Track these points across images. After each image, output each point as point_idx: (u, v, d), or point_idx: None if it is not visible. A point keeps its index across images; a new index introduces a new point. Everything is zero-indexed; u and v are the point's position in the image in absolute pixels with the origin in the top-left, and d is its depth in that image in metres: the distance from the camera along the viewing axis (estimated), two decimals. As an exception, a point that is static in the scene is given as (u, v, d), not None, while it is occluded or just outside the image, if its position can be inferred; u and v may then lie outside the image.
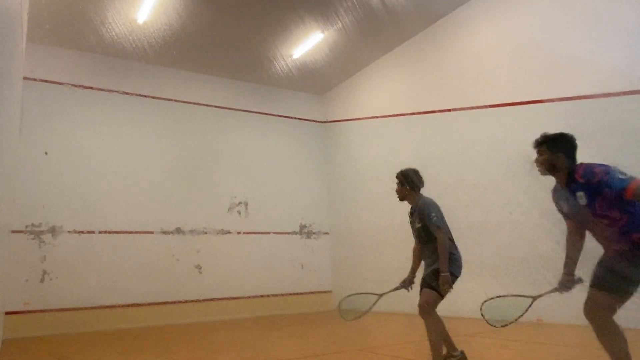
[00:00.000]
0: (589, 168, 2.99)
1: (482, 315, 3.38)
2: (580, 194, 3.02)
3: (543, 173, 3.28)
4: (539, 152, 3.32)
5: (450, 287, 3.83)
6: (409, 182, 4.05)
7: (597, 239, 3.27)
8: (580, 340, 4.94)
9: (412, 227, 4.14)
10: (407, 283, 4.15)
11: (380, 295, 4.12)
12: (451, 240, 3.97)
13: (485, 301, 3.44)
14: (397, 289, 4.12)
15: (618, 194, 2.84)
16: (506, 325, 3.35)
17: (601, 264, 3.23)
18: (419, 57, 9.20)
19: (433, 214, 3.88)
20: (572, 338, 5.23)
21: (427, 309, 3.83)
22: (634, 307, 6.12)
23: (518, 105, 7.49)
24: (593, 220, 3.07)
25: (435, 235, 3.86)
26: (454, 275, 3.89)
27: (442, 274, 3.77)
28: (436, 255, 3.88)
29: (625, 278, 3.08)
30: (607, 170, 2.91)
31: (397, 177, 4.12)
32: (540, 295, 3.42)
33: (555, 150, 3.20)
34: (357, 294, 4.34)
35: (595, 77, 6.65)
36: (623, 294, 3.13)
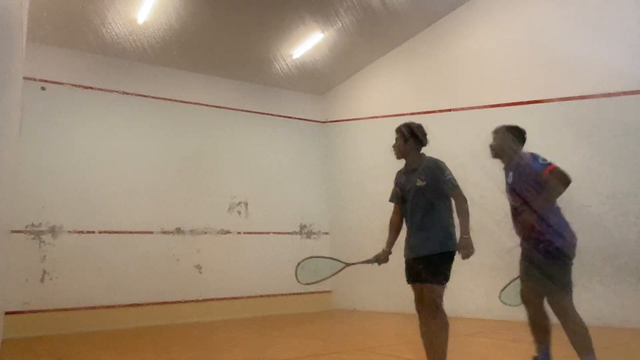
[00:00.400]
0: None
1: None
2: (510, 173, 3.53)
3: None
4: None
5: (473, 250, 3.33)
6: (414, 137, 3.57)
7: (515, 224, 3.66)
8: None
9: (405, 188, 3.59)
10: (381, 258, 3.64)
11: (347, 265, 3.87)
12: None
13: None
14: (368, 261, 3.68)
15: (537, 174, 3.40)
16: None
17: (523, 256, 3.65)
18: (419, 57, 9.20)
19: (448, 172, 3.47)
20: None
21: (436, 307, 3.32)
22: (635, 307, 6.13)
23: (518, 105, 7.49)
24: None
25: (452, 196, 3.45)
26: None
27: (464, 237, 3.33)
28: (432, 222, 3.42)
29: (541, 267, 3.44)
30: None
31: (398, 130, 3.64)
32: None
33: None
34: (321, 257, 4.32)
35: (595, 77, 6.65)
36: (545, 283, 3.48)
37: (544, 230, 3.44)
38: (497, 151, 3.85)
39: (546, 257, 3.42)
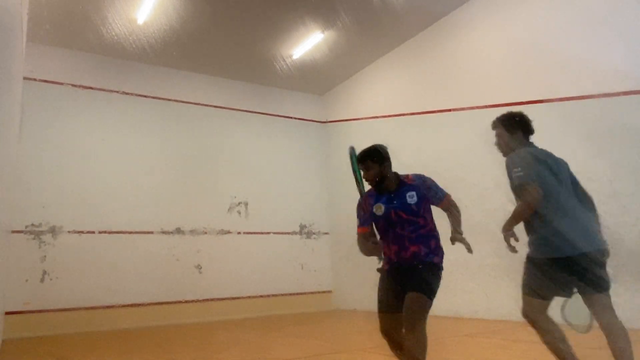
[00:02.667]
0: (420, 175, 3.41)
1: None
2: (410, 193, 3.24)
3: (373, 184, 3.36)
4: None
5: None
6: (523, 127, 3.40)
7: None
8: (580, 340, 4.94)
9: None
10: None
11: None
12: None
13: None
14: None
15: (438, 200, 3.31)
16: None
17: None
18: (419, 57, 9.20)
19: (518, 169, 3.18)
20: (572, 338, 5.22)
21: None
22: (634, 307, 6.12)
23: (518, 105, 7.47)
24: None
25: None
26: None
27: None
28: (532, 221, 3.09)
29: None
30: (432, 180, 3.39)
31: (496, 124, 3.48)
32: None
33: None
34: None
35: (595, 77, 6.65)
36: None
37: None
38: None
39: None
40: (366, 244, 3.25)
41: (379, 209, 3.23)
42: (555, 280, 2.96)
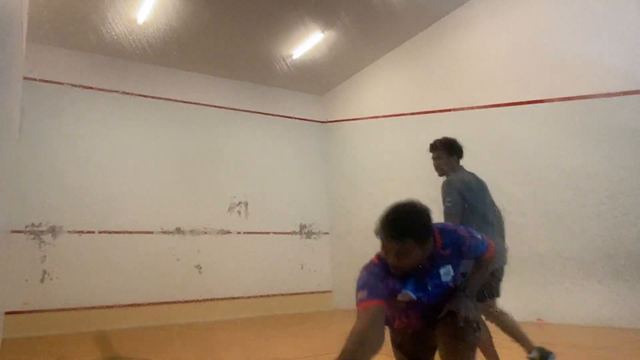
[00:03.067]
0: (450, 234, 2.33)
1: None
2: (445, 269, 2.30)
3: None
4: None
5: None
6: (457, 152, 3.73)
7: None
8: (580, 340, 4.94)
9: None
10: None
11: None
12: None
13: None
14: None
15: (478, 257, 2.41)
16: None
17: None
18: (419, 57, 9.20)
19: (449, 199, 3.52)
20: (572, 338, 5.23)
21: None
22: (635, 307, 6.11)
23: (518, 105, 7.49)
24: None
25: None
26: None
27: None
28: None
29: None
30: (467, 229, 2.41)
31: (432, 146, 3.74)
32: None
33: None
34: None
35: (595, 77, 6.65)
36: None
37: None
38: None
39: None
40: (372, 336, 2.07)
41: (406, 297, 2.25)
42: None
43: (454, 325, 2.22)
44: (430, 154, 3.81)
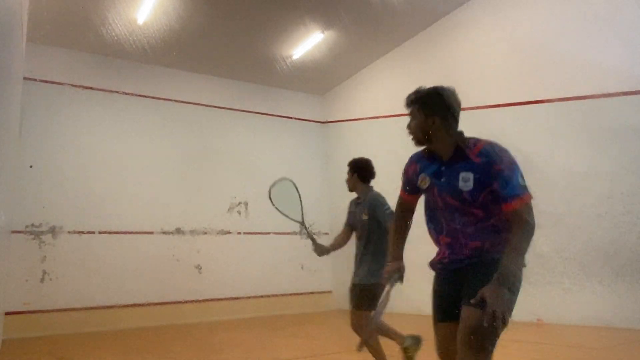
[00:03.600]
0: (495, 149, 2.24)
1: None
2: (466, 175, 2.22)
3: (416, 143, 2.47)
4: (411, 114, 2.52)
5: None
6: (359, 172, 4.13)
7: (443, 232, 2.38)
8: (580, 340, 4.94)
9: (355, 217, 4.21)
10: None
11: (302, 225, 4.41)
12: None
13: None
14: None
15: (504, 198, 2.15)
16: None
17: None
18: (419, 57, 9.20)
19: (387, 207, 3.88)
20: (572, 338, 5.23)
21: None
22: (635, 307, 6.12)
23: (518, 105, 7.49)
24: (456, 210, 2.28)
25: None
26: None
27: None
28: (369, 254, 3.94)
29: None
30: (514, 164, 2.22)
31: (348, 165, 4.20)
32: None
33: (430, 113, 2.38)
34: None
35: (595, 77, 6.66)
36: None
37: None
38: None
39: None
40: (397, 222, 2.53)
41: (424, 182, 2.35)
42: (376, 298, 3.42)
43: (474, 320, 2.08)
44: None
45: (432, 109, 2.35)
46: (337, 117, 10.97)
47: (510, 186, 2.13)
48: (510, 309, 2.07)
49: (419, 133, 2.36)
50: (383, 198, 3.96)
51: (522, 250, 2.13)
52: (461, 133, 2.35)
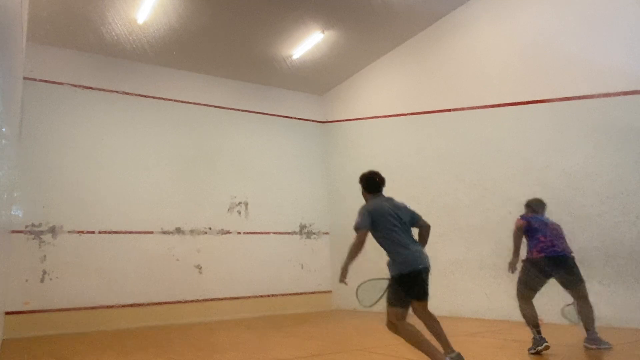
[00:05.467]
0: None
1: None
2: None
3: None
4: None
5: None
6: (362, 184, 4.34)
7: None
8: (580, 340, 4.94)
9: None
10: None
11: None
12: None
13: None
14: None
15: None
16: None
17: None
18: (419, 57, 9.20)
19: (357, 219, 4.12)
20: (572, 338, 5.23)
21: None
22: (635, 307, 6.11)
23: (518, 105, 7.49)
24: None
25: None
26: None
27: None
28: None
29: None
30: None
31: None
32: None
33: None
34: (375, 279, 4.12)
35: (595, 77, 6.65)
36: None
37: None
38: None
39: None
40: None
41: None
42: (402, 291, 3.83)
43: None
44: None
45: None
46: (336, 117, 10.97)
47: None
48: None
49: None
50: (365, 209, 4.06)
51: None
52: None
